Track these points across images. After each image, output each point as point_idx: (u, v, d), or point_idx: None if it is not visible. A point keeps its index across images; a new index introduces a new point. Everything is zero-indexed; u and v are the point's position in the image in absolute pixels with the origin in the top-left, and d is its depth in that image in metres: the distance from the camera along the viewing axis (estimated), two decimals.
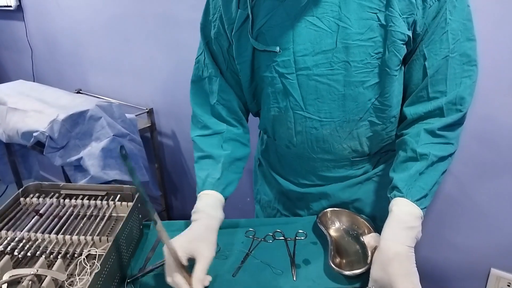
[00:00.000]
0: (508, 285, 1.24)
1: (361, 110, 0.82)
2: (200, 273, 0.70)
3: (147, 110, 1.95)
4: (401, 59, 0.76)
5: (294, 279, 0.80)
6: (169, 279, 0.71)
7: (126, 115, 1.74)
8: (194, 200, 0.85)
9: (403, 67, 0.80)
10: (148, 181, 1.78)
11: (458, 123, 0.79)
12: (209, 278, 0.72)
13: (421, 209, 0.75)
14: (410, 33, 0.73)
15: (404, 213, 0.74)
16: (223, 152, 0.89)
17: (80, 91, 2.29)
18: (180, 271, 0.70)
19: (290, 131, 0.89)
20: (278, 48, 0.78)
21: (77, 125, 1.53)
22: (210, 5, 0.87)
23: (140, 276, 0.81)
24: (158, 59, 1.85)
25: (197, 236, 0.76)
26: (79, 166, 1.51)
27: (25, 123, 1.60)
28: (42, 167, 2.57)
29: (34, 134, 1.49)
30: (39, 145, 1.63)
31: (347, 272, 0.77)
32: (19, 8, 2.51)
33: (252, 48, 0.82)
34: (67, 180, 1.63)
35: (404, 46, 0.74)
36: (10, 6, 2.51)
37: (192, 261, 0.73)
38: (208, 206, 0.82)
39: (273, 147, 1.02)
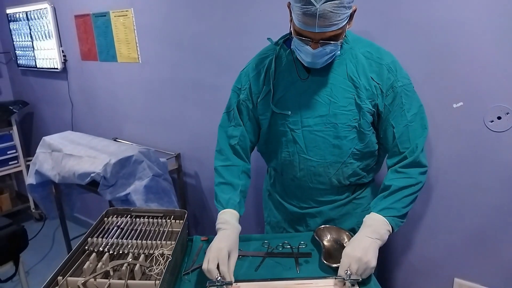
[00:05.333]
0: None
1: (345, 155, 1.22)
2: (233, 265, 1.08)
3: (175, 155, 2.34)
4: (370, 123, 1.19)
5: (298, 272, 1.15)
6: (213, 266, 1.03)
7: (160, 159, 2.14)
8: (212, 231, 1.22)
9: (372, 129, 1.21)
10: None
11: (414, 164, 1.17)
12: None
13: (384, 216, 1.11)
14: (374, 109, 1.16)
15: (368, 219, 1.13)
16: (240, 182, 1.26)
17: (117, 139, 2.71)
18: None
19: (295, 168, 1.28)
20: (289, 112, 1.21)
21: (124, 167, 1.93)
22: (242, 77, 1.31)
23: (191, 271, 1.17)
24: (185, 114, 2.27)
25: (233, 242, 1.12)
26: (125, 200, 1.89)
27: (81, 166, 1.99)
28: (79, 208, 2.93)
29: (92, 174, 1.88)
30: (90, 184, 2.02)
31: (334, 265, 1.12)
32: (64, 70, 2.99)
33: (271, 111, 1.25)
34: None
35: (371, 116, 1.17)
36: (57, 68, 2.99)
37: None
38: (233, 220, 1.19)
39: (280, 180, 1.41)
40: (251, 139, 1.32)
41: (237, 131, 1.30)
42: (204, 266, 1.04)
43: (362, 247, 1.06)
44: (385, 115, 1.18)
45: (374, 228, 1.10)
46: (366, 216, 1.15)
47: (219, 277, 1.02)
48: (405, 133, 1.16)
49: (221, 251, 1.06)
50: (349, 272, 1.03)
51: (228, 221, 1.17)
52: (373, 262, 1.04)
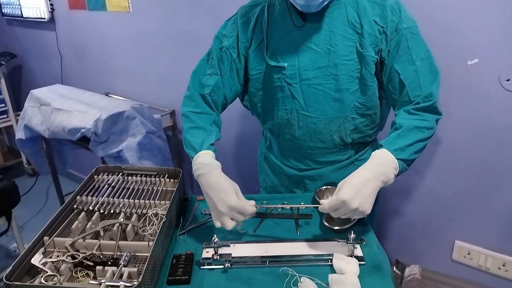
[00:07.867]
0: (468, 253, 1.55)
1: (346, 109, 1.13)
2: (243, 198, 0.98)
3: (169, 112, 2.25)
4: (373, 73, 1.07)
5: (298, 234, 1.10)
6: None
7: (154, 115, 2.05)
8: None
9: (376, 80, 1.10)
10: None
11: (430, 110, 1.04)
12: None
13: (396, 158, 0.96)
14: (377, 57, 1.05)
15: (380, 156, 0.97)
16: (213, 129, 1.13)
17: (108, 94, 2.60)
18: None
19: (294, 127, 1.19)
20: (286, 64, 1.10)
21: (116, 123, 1.84)
22: (228, 24, 1.18)
23: (186, 231, 1.12)
24: (180, 69, 2.16)
25: (226, 183, 0.99)
26: (118, 157, 1.82)
27: (71, 122, 1.91)
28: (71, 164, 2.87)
29: (82, 130, 1.80)
30: (81, 140, 1.94)
31: (336, 227, 1.07)
32: (52, 19, 2.81)
33: (265, 64, 1.13)
34: None
35: (374, 65, 1.06)
36: (44, 18, 2.81)
37: None
38: (210, 159, 1.05)
39: (276, 142, 1.33)
40: (225, 94, 1.18)
41: (212, 80, 1.16)
42: (217, 225, 0.98)
43: (363, 195, 0.91)
44: (390, 61, 1.05)
45: (385, 170, 0.94)
46: (378, 152, 0.98)
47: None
48: (415, 80, 1.03)
49: (225, 202, 0.95)
50: (352, 235, 0.98)
51: (204, 163, 1.03)
52: (368, 211, 0.92)
